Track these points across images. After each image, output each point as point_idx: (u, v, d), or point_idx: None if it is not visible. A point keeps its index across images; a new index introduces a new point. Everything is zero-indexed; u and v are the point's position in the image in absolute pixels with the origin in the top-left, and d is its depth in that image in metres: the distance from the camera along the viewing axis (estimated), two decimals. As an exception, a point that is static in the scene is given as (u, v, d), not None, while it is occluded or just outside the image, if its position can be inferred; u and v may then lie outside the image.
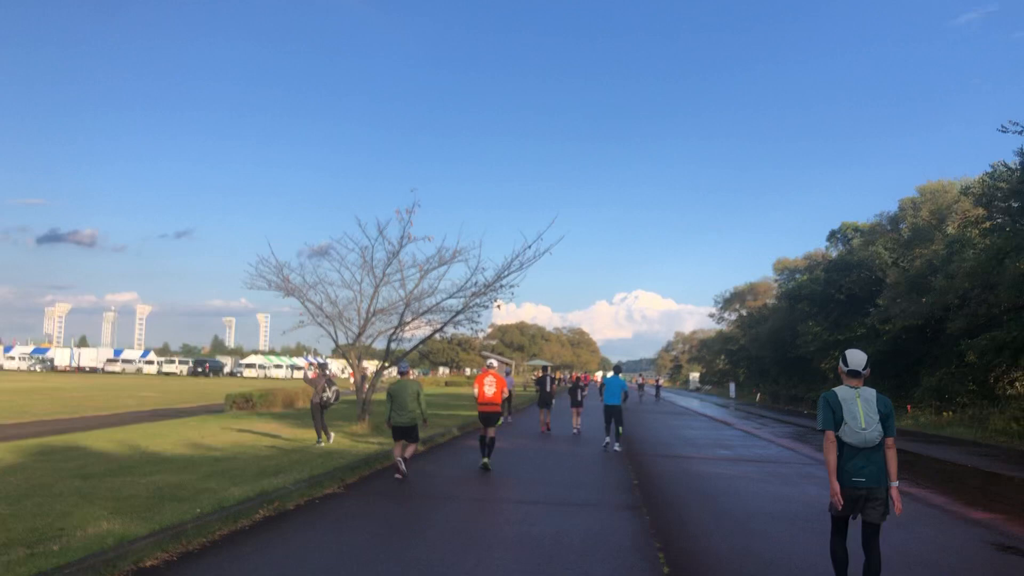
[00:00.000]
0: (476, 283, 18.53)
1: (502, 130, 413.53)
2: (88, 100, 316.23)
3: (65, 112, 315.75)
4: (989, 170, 33.33)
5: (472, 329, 19.50)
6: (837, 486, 5.40)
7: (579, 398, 22.19)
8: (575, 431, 21.50)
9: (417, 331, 19.65)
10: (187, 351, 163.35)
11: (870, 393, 5.51)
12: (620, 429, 17.71)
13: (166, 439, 15.37)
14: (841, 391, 5.54)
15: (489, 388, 13.48)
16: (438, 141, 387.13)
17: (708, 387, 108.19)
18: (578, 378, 26.51)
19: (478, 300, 19.14)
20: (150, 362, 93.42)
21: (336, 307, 18.74)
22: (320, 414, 15.38)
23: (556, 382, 29.73)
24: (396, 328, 18.84)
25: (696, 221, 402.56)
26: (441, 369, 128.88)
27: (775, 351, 59.91)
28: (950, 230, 33.09)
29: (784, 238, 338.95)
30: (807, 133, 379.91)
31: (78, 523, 7.24)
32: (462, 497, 10.49)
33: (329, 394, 15.43)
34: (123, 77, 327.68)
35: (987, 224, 31.00)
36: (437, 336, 20.97)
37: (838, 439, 5.45)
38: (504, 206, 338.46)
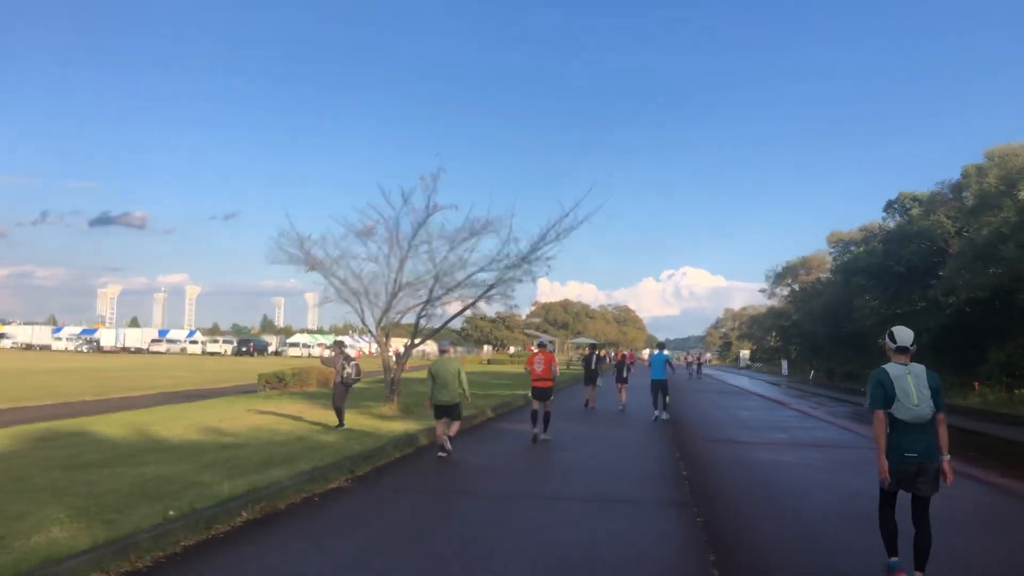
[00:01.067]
0: (508, 255, 17.24)
1: (539, 102, 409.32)
2: (139, 85, 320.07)
3: (117, 96, 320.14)
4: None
5: (507, 305, 18.23)
6: (886, 464, 5.51)
7: (624, 375, 23.04)
8: (621, 407, 21.61)
9: (449, 307, 18.45)
10: (237, 331, 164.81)
11: (920, 369, 5.54)
12: (667, 399, 19.88)
13: (181, 423, 14.48)
14: (891, 368, 5.56)
15: (539, 365, 14.57)
16: (467, 111, 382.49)
17: (759, 364, 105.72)
18: (624, 355, 27.07)
19: (512, 273, 17.85)
20: (195, 342, 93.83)
21: (361, 282, 17.58)
22: (343, 394, 14.36)
23: (602, 359, 30.05)
24: (425, 304, 17.63)
25: (746, 195, 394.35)
26: (485, 347, 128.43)
27: (829, 326, 57.67)
28: (1022, 195, 30.80)
29: (838, 210, 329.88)
30: (860, 103, 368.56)
31: (27, 528, 6.18)
32: (483, 493, 9.22)
33: (350, 370, 14.33)
34: (171, 64, 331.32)
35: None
36: (475, 313, 19.61)
37: (890, 415, 5.51)
38: (539, 181, 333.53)
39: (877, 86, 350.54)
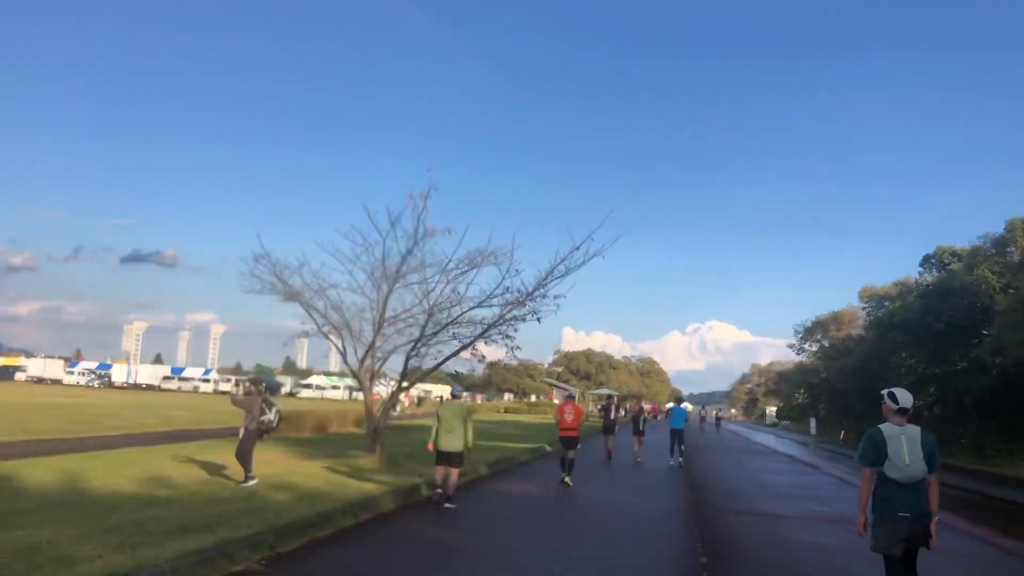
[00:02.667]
0: (508, 289, 15.26)
1: (579, 148, 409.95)
2: (177, 124, 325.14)
3: (154, 135, 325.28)
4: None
5: (507, 346, 16.14)
6: (863, 518, 5.87)
7: (641, 427, 23.06)
8: (637, 460, 21.66)
9: (444, 347, 16.43)
10: (260, 371, 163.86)
11: (914, 431, 5.72)
12: (683, 448, 21.67)
13: (128, 470, 12.56)
14: (887, 428, 5.75)
15: (568, 416, 15.88)
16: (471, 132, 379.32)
17: (786, 422, 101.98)
18: (641, 408, 26.82)
19: (515, 312, 15.88)
20: (207, 380, 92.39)
21: (343, 315, 15.66)
22: (253, 442, 11.91)
23: (621, 411, 31.76)
24: (416, 343, 15.65)
25: (775, 249, 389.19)
26: (506, 396, 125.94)
27: (861, 384, 54.71)
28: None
29: (870, 265, 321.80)
30: (896, 154, 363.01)
31: None
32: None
33: (270, 415, 12.07)
34: (208, 104, 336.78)
35: None
36: (474, 355, 17.32)
37: (882, 474, 5.67)
38: (550, 213, 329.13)
39: (914, 137, 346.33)
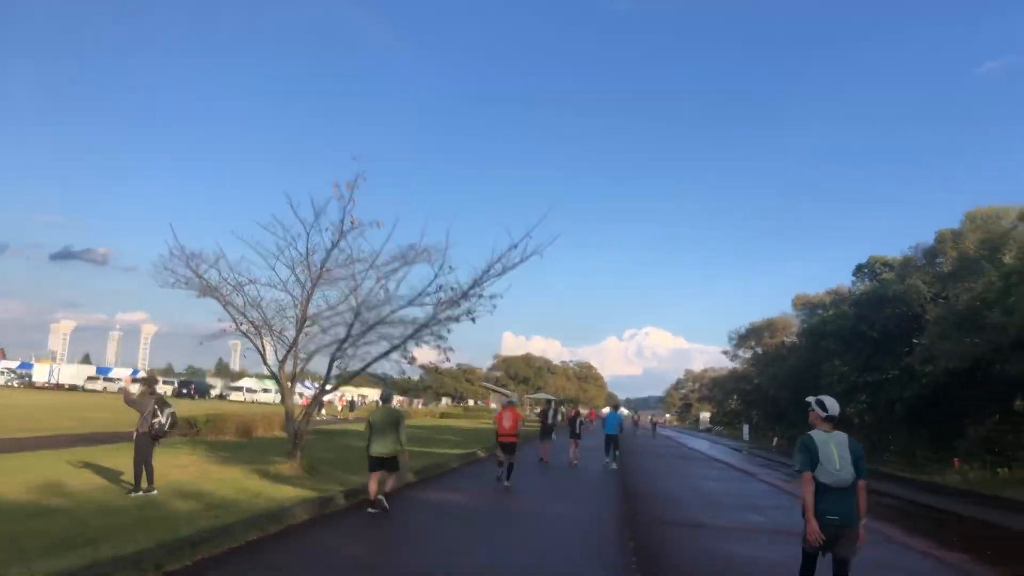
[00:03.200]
0: (442, 287, 14.55)
1: (516, 162, 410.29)
2: (110, 119, 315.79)
3: (86, 130, 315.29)
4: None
5: (440, 347, 15.39)
6: (815, 524, 5.74)
7: (577, 430, 23.38)
8: (573, 463, 22.12)
9: (374, 347, 15.60)
10: (191, 373, 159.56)
11: (842, 437, 5.90)
12: (618, 452, 23.59)
13: (26, 475, 11.59)
14: (816, 434, 5.92)
15: (507, 422, 16.03)
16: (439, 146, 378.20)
17: (719, 428, 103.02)
18: (577, 412, 27.14)
19: (449, 311, 15.18)
20: (134, 381, 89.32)
21: (262, 312, 14.74)
22: (149, 448, 10.93)
23: (559, 416, 30.82)
24: (341, 344, 14.81)
25: (710, 256, 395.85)
26: (444, 400, 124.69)
27: (794, 392, 55.18)
28: (1007, 259, 28.94)
29: (804, 274, 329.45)
30: (830, 166, 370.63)
31: None
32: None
33: (162, 418, 11.05)
34: (144, 101, 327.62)
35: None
36: (405, 357, 16.45)
37: (814, 479, 5.77)
38: (488, 211, 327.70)
39: (848, 148, 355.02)
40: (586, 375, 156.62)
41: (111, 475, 12.40)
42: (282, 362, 14.72)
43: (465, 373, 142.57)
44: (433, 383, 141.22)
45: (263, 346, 14.84)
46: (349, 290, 14.98)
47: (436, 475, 17.35)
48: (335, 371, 15.19)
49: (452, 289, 14.91)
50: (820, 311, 59.36)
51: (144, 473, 10.82)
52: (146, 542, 7.34)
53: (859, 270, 57.61)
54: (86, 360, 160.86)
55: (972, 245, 33.34)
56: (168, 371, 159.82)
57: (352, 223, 13.99)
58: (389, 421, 11.26)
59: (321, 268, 14.24)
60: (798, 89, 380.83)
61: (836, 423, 5.98)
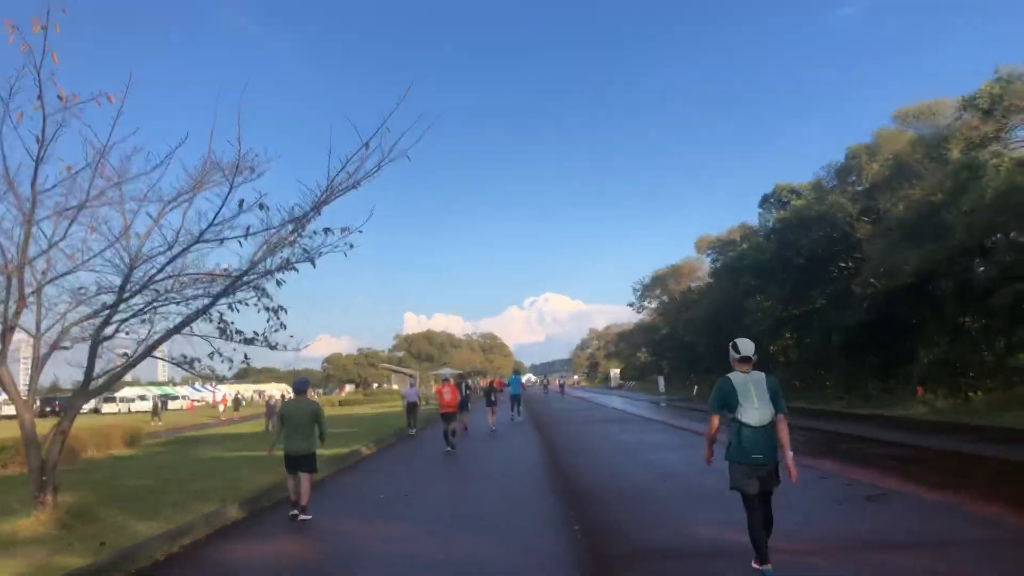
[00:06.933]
0: (265, 219, 9.16)
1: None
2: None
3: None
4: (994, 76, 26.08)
5: (266, 308, 10.00)
6: (710, 452, 6.33)
7: (493, 399, 26.05)
8: (492, 428, 24.05)
9: (161, 320, 10.06)
10: (55, 389, 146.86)
11: (760, 376, 5.93)
12: (520, 408, 29.98)
13: None
14: (735, 376, 5.94)
15: (447, 395, 18.87)
16: None
17: (632, 383, 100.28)
18: (491, 383, 30.36)
19: (279, 253, 9.82)
20: (-16, 402, 79.26)
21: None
22: None
23: (471, 388, 32.96)
24: (108, 316, 9.23)
25: (601, 216, 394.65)
26: (347, 387, 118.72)
27: (712, 336, 51.83)
28: (955, 154, 25.42)
29: (705, 219, 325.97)
30: (720, 101, 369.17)
31: None
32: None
33: None
34: None
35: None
36: (198, 330, 10.78)
37: (737, 420, 5.84)
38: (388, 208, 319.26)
39: (738, 80, 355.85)
40: (491, 346, 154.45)
41: None
42: (1, 353, 8.95)
43: (367, 357, 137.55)
44: (333, 371, 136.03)
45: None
46: (114, 234, 9.36)
47: (337, 472, 12.15)
48: (105, 362, 9.57)
49: (283, 218, 9.57)
50: (731, 249, 56.04)
51: None
52: None
53: (765, 201, 54.22)
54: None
55: (906, 146, 29.89)
56: (53, 388, 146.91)
57: (62, 98, 8.19)
58: (306, 414, 9.97)
59: (34, 189, 8.48)
60: (678, 22, 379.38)
61: (753, 363, 5.99)
